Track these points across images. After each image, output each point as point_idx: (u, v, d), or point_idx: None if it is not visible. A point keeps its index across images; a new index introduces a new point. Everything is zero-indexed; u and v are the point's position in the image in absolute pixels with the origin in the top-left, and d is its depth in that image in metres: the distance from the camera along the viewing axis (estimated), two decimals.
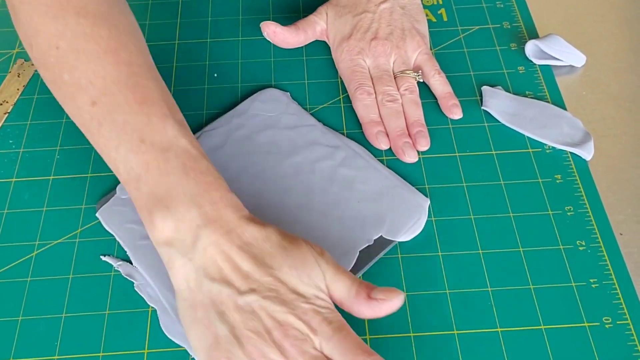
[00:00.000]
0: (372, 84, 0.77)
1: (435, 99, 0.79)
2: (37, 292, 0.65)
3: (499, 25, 0.86)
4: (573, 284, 0.65)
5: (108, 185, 0.72)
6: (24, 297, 0.65)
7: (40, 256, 0.68)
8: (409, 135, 0.74)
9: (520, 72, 0.81)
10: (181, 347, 0.62)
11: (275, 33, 0.79)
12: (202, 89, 0.81)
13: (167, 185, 0.56)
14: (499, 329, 0.62)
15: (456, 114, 0.76)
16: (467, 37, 0.85)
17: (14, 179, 0.73)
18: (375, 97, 0.76)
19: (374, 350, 0.54)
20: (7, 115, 0.79)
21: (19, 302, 0.65)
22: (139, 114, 0.58)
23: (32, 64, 0.82)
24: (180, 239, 0.56)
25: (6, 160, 0.75)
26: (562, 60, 0.82)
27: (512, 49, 0.84)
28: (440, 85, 0.77)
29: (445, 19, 0.87)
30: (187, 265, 0.56)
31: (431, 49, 0.84)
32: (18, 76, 0.82)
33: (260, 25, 0.79)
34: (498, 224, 0.69)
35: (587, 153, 0.74)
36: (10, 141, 0.76)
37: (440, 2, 0.89)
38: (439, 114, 0.78)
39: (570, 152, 0.74)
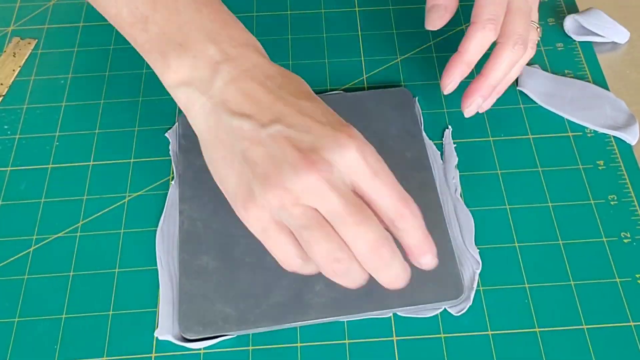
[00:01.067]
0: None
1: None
2: (35, 290, 0.64)
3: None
4: (617, 280, 0.64)
5: (111, 174, 0.71)
6: (21, 296, 0.64)
7: (38, 252, 0.67)
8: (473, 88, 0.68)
9: (559, 49, 0.80)
10: (191, 350, 0.61)
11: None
12: None
13: (178, 23, 0.55)
14: (537, 329, 0.61)
15: (470, 108, 0.68)
16: None
17: (9, 168, 0.72)
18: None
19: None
20: (1, 98, 0.78)
21: (15, 301, 0.64)
22: None
23: (29, 43, 0.81)
24: (198, 77, 0.54)
25: (1, 147, 0.74)
26: (603, 37, 0.80)
27: (550, 24, 0.83)
28: (519, 63, 0.68)
29: None
30: (207, 104, 0.54)
31: (462, 25, 0.82)
32: (14, 56, 0.81)
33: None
34: (535, 215, 0.67)
35: (631, 137, 0.72)
36: (6, 126, 0.75)
37: None
38: (460, 92, 0.75)
39: (614, 136, 0.73)
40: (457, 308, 0.62)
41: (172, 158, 0.71)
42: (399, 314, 0.62)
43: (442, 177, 0.70)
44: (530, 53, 0.68)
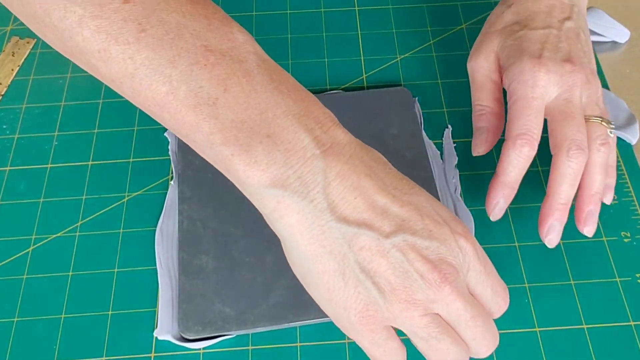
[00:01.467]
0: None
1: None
2: (34, 290, 0.64)
3: None
4: (617, 279, 0.64)
5: (110, 174, 0.71)
6: (20, 296, 0.64)
7: (37, 251, 0.67)
8: (577, 208, 0.62)
9: None
10: (191, 350, 0.61)
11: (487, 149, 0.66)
12: None
13: (260, 107, 0.46)
14: (537, 329, 0.61)
15: (589, 227, 0.62)
16: None
17: (8, 168, 0.72)
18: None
19: None
20: (0, 98, 0.77)
21: (14, 301, 0.64)
22: (194, 14, 0.46)
23: (28, 42, 0.81)
24: (293, 176, 0.46)
25: (0, 147, 0.73)
26: (604, 36, 0.80)
27: None
28: (597, 164, 0.61)
29: None
30: (308, 208, 0.46)
31: (462, 24, 0.82)
32: (12, 55, 0.81)
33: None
34: (535, 215, 0.66)
35: (632, 136, 0.72)
36: (4, 126, 0.75)
37: None
38: (469, 93, 0.75)
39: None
40: None
41: (171, 158, 0.71)
42: None
43: (442, 176, 0.70)
44: (603, 152, 0.60)
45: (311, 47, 0.81)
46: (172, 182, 0.70)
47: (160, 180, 0.70)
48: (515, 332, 0.61)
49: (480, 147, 0.64)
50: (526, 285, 0.63)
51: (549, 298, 0.63)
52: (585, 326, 0.61)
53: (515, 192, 0.60)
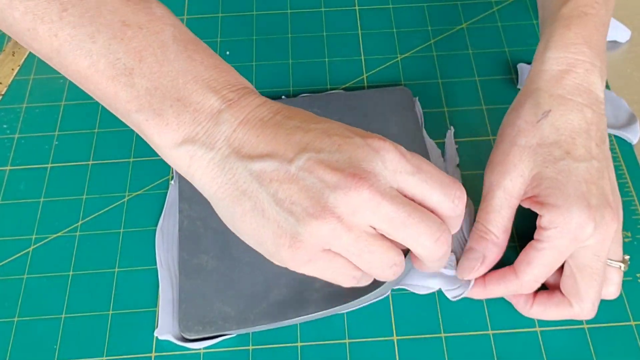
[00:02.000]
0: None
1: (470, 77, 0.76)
2: (35, 290, 0.64)
3: None
4: None
5: (111, 173, 0.71)
6: (20, 295, 0.64)
7: (37, 251, 0.67)
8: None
9: None
10: (192, 350, 0.61)
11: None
12: None
13: (171, 74, 0.49)
14: (538, 329, 0.62)
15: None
16: (501, 10, 0.84)
17: (8, 167, 0.72)
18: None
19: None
20: (0, 97, 0.78)
21: (15, 301, 0.64)
22: None
23: None
24: (201, 131, 0.48)
25: (0, 147, 0.74)
26: None
27: None
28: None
29: None
30: (216, 157, 0.49)
31: (463, 24, 0.82)
32: (13, 55, 0.81)
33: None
34: (536, 215, 0.66)
35: (632, 136, 0.72)
36: (5, 126, 0.75)
37: None
38: (470, 92, 0.76)
39: (615, 135, 0.73)
40: (453, 292, 0.62)
41: None
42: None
43: (441, 163, 0.70)
44: (612, 294, 0.61)
45: (312, 47, 0.81)
46: (172, 182, 0.70)
47: (161, 180, 0.70)
48: (516, 332, 0.61)
49: (468, 273, 0.60)
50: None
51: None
52: (586, 326, 0.61)
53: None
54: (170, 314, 0.62)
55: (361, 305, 0.62)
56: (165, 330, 0.61)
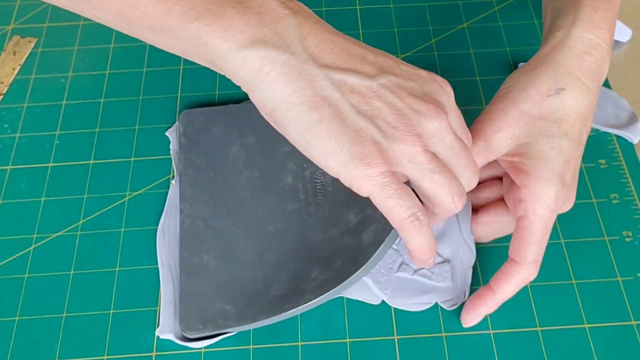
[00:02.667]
0: None
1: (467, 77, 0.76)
2: (36, 289, 0.65)
3: None
4: (619, 279, 0.64)
5: (112, 173, 0.71)
6: (22, 295, 0.64)
7: (38, 250, 0.67)
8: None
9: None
10: (192, 349, 0.61)
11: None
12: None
13: None
14: (538, 328, 0.61)
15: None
16: (502, 9, 0.84)
17: (9, 167, 0.72)
18: None
19: None
20: (1, 97, 0.78)
21: (16, 300, 0.64)
22: None
23: (30, 41, 0.81)
24: (270, 33, 0.48)
25: (1, 146, 0.74)
26: None
27: None
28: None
29: None
30: (292, 60, 0.47)
31: (464, 23, 0.82)
32: (14, 54, 0.81)
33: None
34: None
35: (633, 136, 0.72)
36: (6, 125, 0.75)
37: None
38: (471, 92, 0.76)
39: (616, 135, 0.73)
40: (449, 303, 0.62)
41: (172, 157, 0.71)
42: (389, 304, 0.63)
43: None
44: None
45: None
46: (173, 182, 0.70)
47: (162, 179, 0.70)
48: (517, 332, 0.61)
49: (470, 320, 0.61)
50: (527, 284, 0.63)
51: (550, 297, 0.63)
52: (587, 325, 0.61)
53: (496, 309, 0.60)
54: (171, 313, 0.62)
55: (353, 294, 0.63)
56: (167, 329, 0.61)
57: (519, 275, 0.58)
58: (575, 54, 0.59)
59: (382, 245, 0.57)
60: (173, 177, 0.70)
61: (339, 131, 0.48)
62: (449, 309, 0.62)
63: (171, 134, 0.73)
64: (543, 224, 0.57)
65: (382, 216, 0.53)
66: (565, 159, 0.57)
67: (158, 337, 0.62)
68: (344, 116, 0.48)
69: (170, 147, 0.72)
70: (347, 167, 0.48)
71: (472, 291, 0.62)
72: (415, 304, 0.63)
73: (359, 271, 0.58)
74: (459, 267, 0.64)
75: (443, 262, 0.64)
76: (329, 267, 0.61)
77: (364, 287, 0.63)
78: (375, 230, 0.60)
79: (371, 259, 0.57)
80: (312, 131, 0.48)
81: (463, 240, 0.65)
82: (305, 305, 0.60)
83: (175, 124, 0.74)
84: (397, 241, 0.64)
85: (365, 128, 0.48)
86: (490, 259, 0.65)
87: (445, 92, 0.51)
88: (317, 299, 0.60)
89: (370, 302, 0.63)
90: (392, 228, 0.55)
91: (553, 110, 0.58)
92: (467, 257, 0.64)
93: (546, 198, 0.56)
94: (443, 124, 0.49)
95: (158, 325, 0.62)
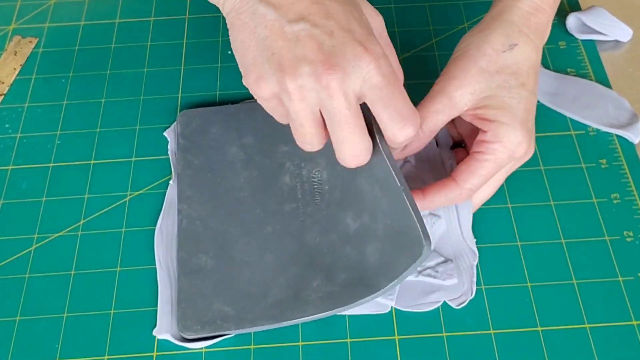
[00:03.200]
0: None
1: None
2: (37, 289, 0.65)
3: None
4: (620, 279, 0.64)
5: (113, 173, 0.71)
6: (22, 295, 0.64)
7: (39, 250, 0.67)
8: None
9: (561, 47, 0.80)
10: (193, 349, 0.61)
11: None
12: (214, 67, 0.80)
13: None
14: (539, 328, 0.61)
15: None
16: None
17: (10, 167, 0.72)
18: None
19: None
20: (2, 97, 0.78)
21: (17, 300, 0.64)
22: None
23: (30, 41, 0.82)
24: None
25: (2, 146, 0.74)
26: (606, 35, 0.80)
27: (553, 22, 0.80)
28: None
29: None
30: None
31: (465, 23, 0.82)
32: (15, 54, 0.81)
33: None
34: (538, 213, 0.68)
35: (634, 135, 0.72)
36: (7, 125, 0.75)
37: None
38: None
39: (616, 135, 0.73)
40: (457, 301, 0.62)
41: (170, 158, 0.71)
42: (398, 308, 0.62)
43: (437, 159, 0.70)
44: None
45: None
46: (171, 182, 0.70)
47: (163, 179, 0.70)
48: (518, 332, 0.61)
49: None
50: (528, 284, 0.64)
51: (551, 297, 0.63)
52: (587, 325, 0.61)
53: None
54: (168, 313, 0.62)
55: (359, 309, 0.63)
56: (164, 329, 0.62)
57: (451, 193, 0.63)
58: (523, 14, 0.64)
59: (398, 278, 0.58)
60: (171, 177, 0.70)
61: (247, 49, 0.54)
62: (457, 307, 0.62)
63: (169, 134, 0.73)
64: (495, 164, 0.61)
65: (385, 233, 0.53)
66: (525, 108, 0.62)
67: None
68: (253, 39, 0.53)
69: (169, 147, 0.72)
70: (246, 76, 0.54)
71: (487, 319, 0.62)
72: (423, 304, 0.63)
73: (370, 296, 0.59)
74: (463, 265, 0.64)
75: (446, 261, 0.64)
76: (332, 280, 0.61)
77: (368, 303, 0.62)
78: (380, 250, 0.60)
79: (386, 287, 0.58)
80: (234, 44, 0.55)
81: (464, 241, 0.65)
82: (308, 318, 0.61)
83: (174, 125, 0.74)
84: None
85: (263, 55, 0.52)
86: (493, 261, 0.65)
87: (359, 59, 0.52)
88: (320, 314, 0.61)
89: (378, 313, 0.63)
90: (404, 256, 0.56)
91: (508, 64, 0.62)
92: (470, 256, 0.64)
93: (507, 141, 0.61)
94: (323, 84, 0.51)
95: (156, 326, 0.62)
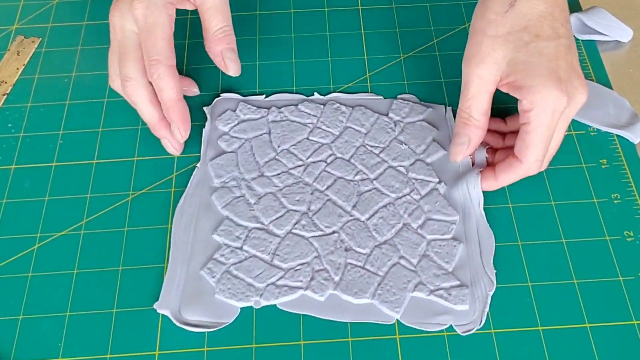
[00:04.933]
0: None
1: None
2: (39, 288, 0.65)
3: None
4: (620, 279, 0.64)
5: (115, 172, 0.71)
6: (25, 293, 0.64)
7: (42, 249, 0.67)
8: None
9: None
10: (195, 348, 0.61)
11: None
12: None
13: None
14: (540, 328, 0.61)
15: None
16: None
17: (13, 166, 0.72)
18: None
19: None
20: (5, 96, 0.78)
21: (19, 299, 0.64)
22: None
23: (33, 41, 0.82)
24: None
25: (5, 145, 0.74)
26: (607, 35, 0.80)
27: None
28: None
29: None
30: None
31: (465, 23, 0.82)
32: (17, 54, 0.81)
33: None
34: (538, 213, 0.68)
35: (634, 136, 0.72)
36: (9, 125, 0.75)
37: None
38: None
39: (617, 135, 0.73)
40: (464, 328, 0.62)
41: (203, 138, 0.73)
42: (402, 322, 0.62)
43: (464, 189, 0.69)
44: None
45: (315, 47, 0.81)
46: (198, 165, 0.71)
47: (165, 179, 0.70)
48: (518, 331, 0.61)
49: (458, 156, 0.67)
50: (529, 284, 0.64)
51: (552, 297, 0.63)
52: (588, 325, 0.62)
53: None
54: (172, 290, 0.63)
55: (362, 317, 0.63)
56: (165, 305, 0.62)
57: (521, 170, 0.64)
58: None
59: None
60: (199, 159, 0.72)
61: None
62: (463, 334, 0.61)
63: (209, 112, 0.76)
64: (544, 128, 0.61)
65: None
66: (549, 58, 0.61)
67: (161, 335, 0.62)
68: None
69: (203, 130, 0.74)
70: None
71: (487, 318, 0.62)
72: (430, 324, 0.62)
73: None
74: (478, 293, 0.63)
75: (461, 286, 0.63)
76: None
77: (373, 310, 0.63)
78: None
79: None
80: None
81: (483, 270, 0.64)
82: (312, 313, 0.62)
83: (210, 108, 0.76)
84: (417, 262, 0.65)
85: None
86: (531, 255, 0.66)
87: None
88: (322, 315, 0.62)
89: (382, 323, 0.62)
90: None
91: (515, 22, 0.62)
92: (487, 285, 0.64)
93: (543, 103, 0.61)
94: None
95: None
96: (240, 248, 0.65)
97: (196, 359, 0.61)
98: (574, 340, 0.61)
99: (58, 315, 0.63)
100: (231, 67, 0.68)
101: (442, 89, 0.77)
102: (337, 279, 0.64)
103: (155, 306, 0.62)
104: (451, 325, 0.62)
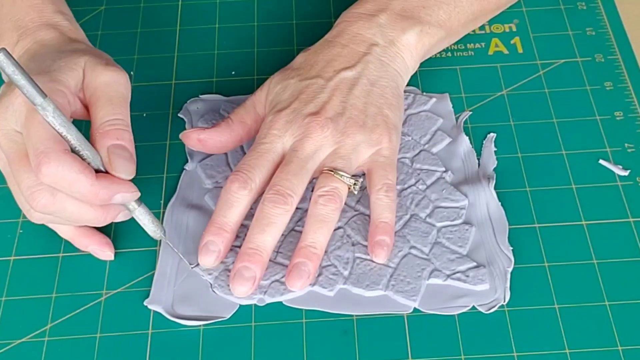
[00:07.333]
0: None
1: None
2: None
3: (589, 59, 0.88)
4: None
5: (85, 267, 0.75)
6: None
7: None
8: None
9: (618, 118, 0.84)
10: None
11: (202, 141, 0.76)
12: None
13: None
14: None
15: (379, 255, 0.72)
16: (548, 73, 0.88)
17: None
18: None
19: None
20: None
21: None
22: None
23: None
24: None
25: None
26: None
27: (607, 89, 0.86)
28: (381, 207, 0.73)
29: (520, 50, 0.91)
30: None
31: (483, 98, 0.88)
32: None
33: (181, 137, 0.78)
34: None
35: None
36: None
37: (514, 29, 0.93)
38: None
39: None
40: (487, 306, 0.70)
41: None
42: (422, 310, 0.70)
43: (473, 171, 0.79)
44: (321, 205, 0.71)
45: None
46: (186, 167, 0.80)
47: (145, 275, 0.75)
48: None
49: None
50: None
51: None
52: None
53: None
54: (164, 287, 0.71)
55: (377, 309, 0.71)
56: (156, 301, 0.70)
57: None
58: None
59: None
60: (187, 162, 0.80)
61: None
62: (487, 312, 0.69)
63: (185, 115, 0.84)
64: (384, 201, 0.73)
65: None
66: (292, 92, 0.76)
67: (155, 314, 0.69)
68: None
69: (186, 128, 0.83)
70: None
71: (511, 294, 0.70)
72: (451, 307, 0.70)
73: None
74: (497, 271, 0.72)
75: (478, 266, 0.72)
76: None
77: (387, 302, 0.71)
78: None
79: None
80: None
81: (499, 248, 0.73)
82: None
83: (185, 107, 0.85)
84: (428, 250, 0.73)
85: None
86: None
87: None
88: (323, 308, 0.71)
89: (399, 313, 0.70)
90: None
91: (296, 64, 0.81)
92: (505, 262, 0.72)
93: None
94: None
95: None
96: (240, 246, 0.72)
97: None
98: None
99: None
100: (119, 165, 0.64)
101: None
102: (346, 273, 0.71)
103: (146, 303, 0.70)
104: (473, 306, 0.70)
